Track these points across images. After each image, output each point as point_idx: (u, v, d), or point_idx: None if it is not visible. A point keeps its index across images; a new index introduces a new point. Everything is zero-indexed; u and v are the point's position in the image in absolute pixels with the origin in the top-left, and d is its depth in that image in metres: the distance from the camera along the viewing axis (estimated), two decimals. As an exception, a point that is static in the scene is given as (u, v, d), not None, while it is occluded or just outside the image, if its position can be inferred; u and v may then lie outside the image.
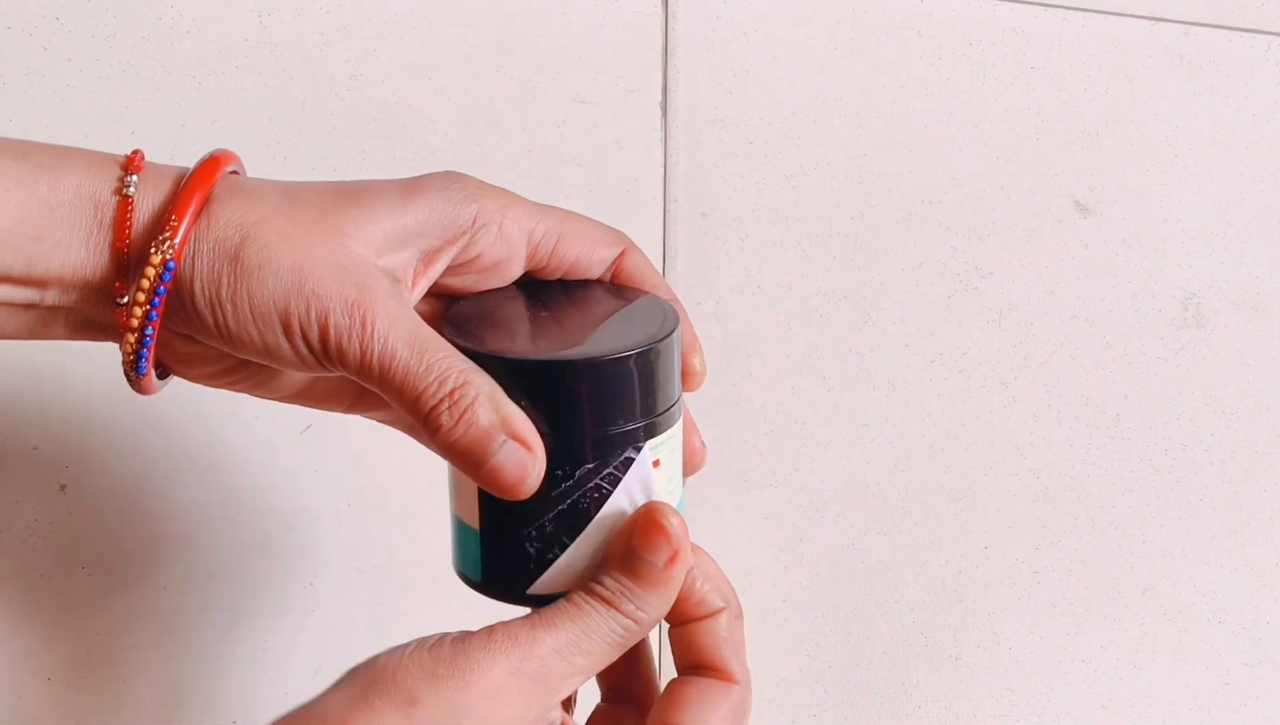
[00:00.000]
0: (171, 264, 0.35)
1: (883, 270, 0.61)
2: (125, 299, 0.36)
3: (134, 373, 0.37)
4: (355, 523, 0.52)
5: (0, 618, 0.49)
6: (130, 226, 0.36)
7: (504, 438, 0.35)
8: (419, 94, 0.55)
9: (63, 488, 0.50)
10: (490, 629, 0.36)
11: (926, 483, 0.61)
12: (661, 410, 0.38)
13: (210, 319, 0.36)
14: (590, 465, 0.37)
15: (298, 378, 0.40)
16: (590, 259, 0.41)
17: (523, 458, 0.35)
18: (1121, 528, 0.64)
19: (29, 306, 0.36)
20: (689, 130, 0.59)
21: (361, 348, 0.35)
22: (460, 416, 0.35)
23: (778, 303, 0.59)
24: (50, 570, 0.50)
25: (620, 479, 0.37)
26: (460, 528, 0.39)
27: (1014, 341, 0.63)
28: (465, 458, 0.35)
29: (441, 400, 0.35)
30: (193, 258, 0.36)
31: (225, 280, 0.35)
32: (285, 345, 0.36)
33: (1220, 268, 0.66)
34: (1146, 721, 0.63)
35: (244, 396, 0.41)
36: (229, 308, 0.35)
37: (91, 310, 0.37)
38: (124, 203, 0.36)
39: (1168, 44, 0.66)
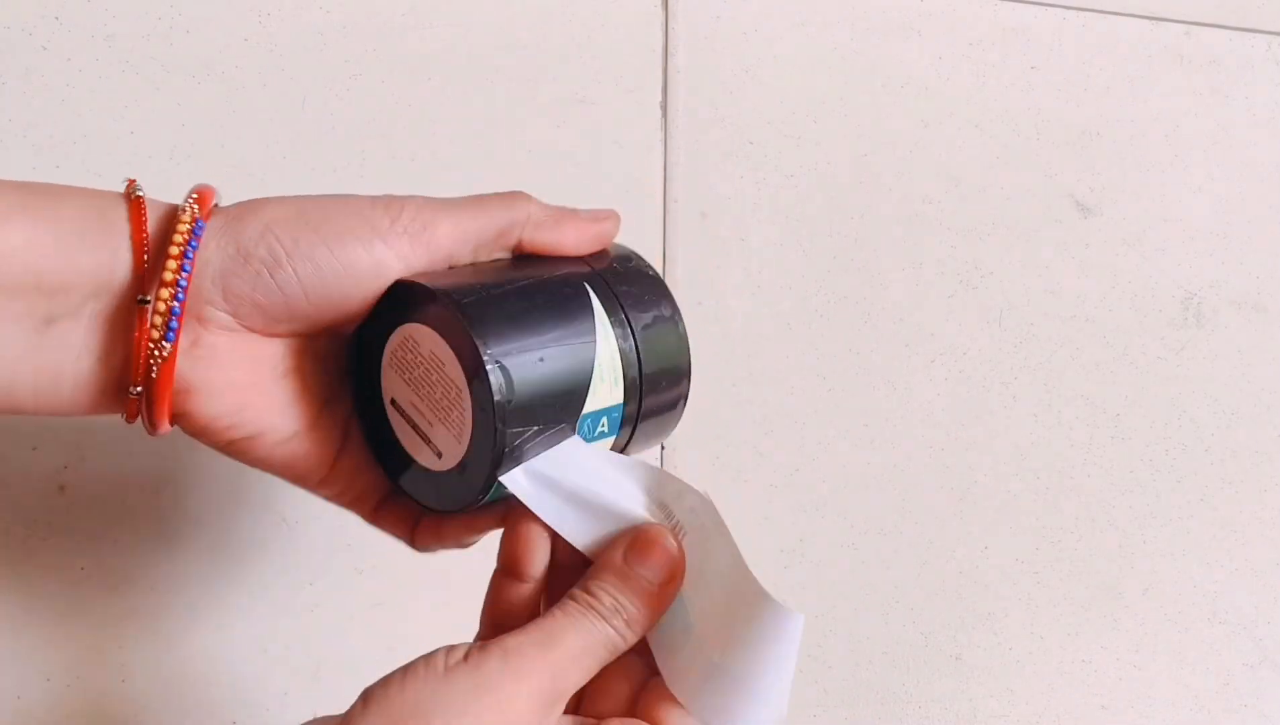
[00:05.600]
0: (201, 223, 0.36)
1: (883, 270, 0.61)
2: (150, 296, 0.36)
3: (159, 354, 0.36)
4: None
5: (0, 618, 0.49)
6: (145, 220, 0.36)
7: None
8: (419, 94, 0.55)
9: (62, 488, 0.50)
10: (503, 651, 0.36)
11: (926, 483, 0.61)
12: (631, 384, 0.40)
13: (273, 254, 0.36)
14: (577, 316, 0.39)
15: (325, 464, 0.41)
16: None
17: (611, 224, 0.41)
18: (1121, 528, 0.64)
19: (48, 323, 0.36)
20: (689, 130, 0.59)
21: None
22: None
23: (778, 303, 0.59)
24: (50, 570, 0.50)
25: (575, 341, 0.39)
26: None
27: (1014, 341, 0.63)
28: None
29: None
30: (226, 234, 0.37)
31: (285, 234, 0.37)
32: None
33: (1220, 268, 0.66)
34: (1146, 721, 0.63)
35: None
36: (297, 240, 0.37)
37: (111, 318, 0.36)
38: (136, 202, 0.37)
39: (1168, 44, 0.66)
